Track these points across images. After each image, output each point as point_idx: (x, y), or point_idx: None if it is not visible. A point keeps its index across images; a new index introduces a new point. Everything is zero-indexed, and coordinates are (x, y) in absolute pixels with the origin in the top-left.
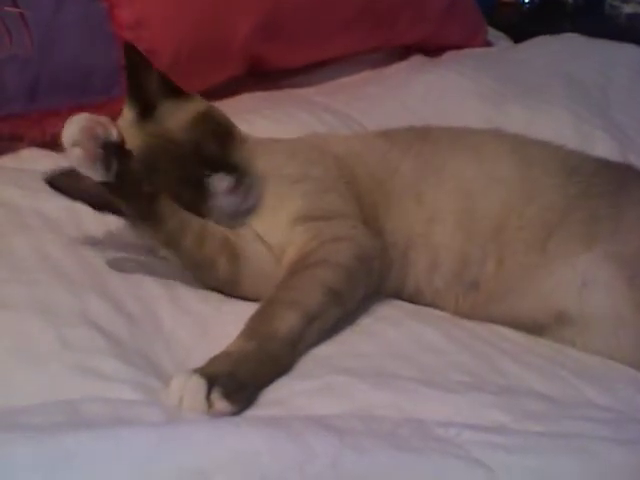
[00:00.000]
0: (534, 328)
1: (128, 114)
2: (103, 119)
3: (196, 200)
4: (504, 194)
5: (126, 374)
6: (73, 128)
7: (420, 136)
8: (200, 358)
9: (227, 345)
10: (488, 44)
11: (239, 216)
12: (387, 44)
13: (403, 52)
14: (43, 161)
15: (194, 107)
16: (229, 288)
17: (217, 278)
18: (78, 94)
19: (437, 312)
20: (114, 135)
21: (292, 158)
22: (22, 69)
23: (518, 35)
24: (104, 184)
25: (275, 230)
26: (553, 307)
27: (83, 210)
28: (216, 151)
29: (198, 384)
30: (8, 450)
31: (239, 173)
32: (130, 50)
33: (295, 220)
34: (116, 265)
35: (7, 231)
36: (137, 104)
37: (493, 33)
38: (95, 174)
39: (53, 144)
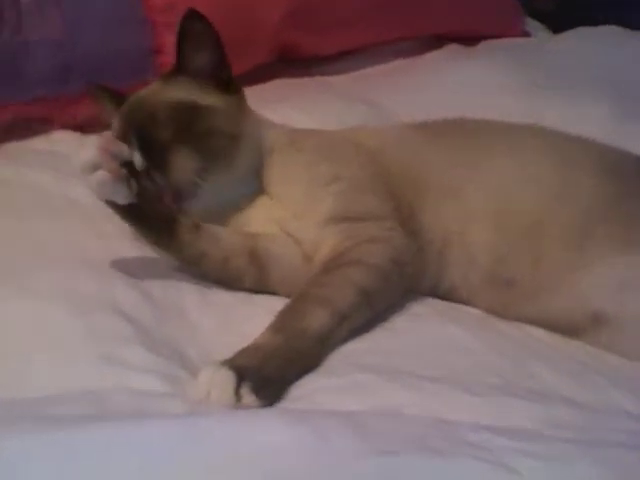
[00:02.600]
0: (568, 329)
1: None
2: (110, 136)
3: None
4: (542, 192)
5: (152, 364)
6: (90, 151)
7: (456, 129)
8: (226, 349)
9: (254, 338)
10: (525, 34)
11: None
12: (421, 32)
13: (437, 41)
14: (74, 144)
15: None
16: (259, 290)
17: (246, 287)
18: (109, 77)
19: (468, 310)
20: (127, 152)
21: (326, 156)
22: (54, 52)
23: (556, 26)
24: (125, 208)
25: (308, 228)
26: (589, 308)
27: None
28: (164, 139)
29: (227, 377)
30: (31, 441)
31: (161, 164)
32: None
33: (328, 220)
34: (144, 253)
35: (35, 215)
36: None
37: (530, 23)
38: (121, 196)
39: (84, 127)
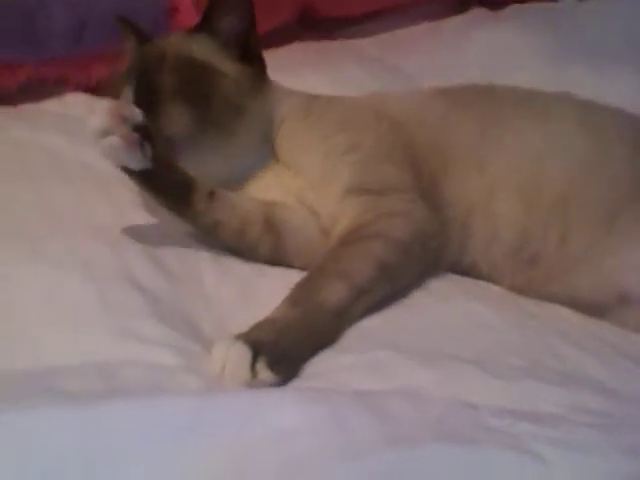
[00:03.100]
0: (594, 309)
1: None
2: (124, 102)
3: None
4: (571, 165)
5: (166, 337)
6: (100, 116)
7: (483, 96)
8: (241, 321)
9: (270, 311)
10: None
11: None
12: None
13: (463, 4)
14: (87, 107)
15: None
16: (275, 261)
17: (261, 257)
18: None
19: (491, 287)
20: (140, 116)
21: (343, 125)
22: (68, 10)
23: None
24: (140, 174)
25: (326, 200)
26: (616, 287)
27: None
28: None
29: (243, 352)
30: (42, 416)
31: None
32: None
33: (347, 191)
34: (159, 221)
35: (48, 178)
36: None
37: None
38: (135, 161)
39: (99, 89)
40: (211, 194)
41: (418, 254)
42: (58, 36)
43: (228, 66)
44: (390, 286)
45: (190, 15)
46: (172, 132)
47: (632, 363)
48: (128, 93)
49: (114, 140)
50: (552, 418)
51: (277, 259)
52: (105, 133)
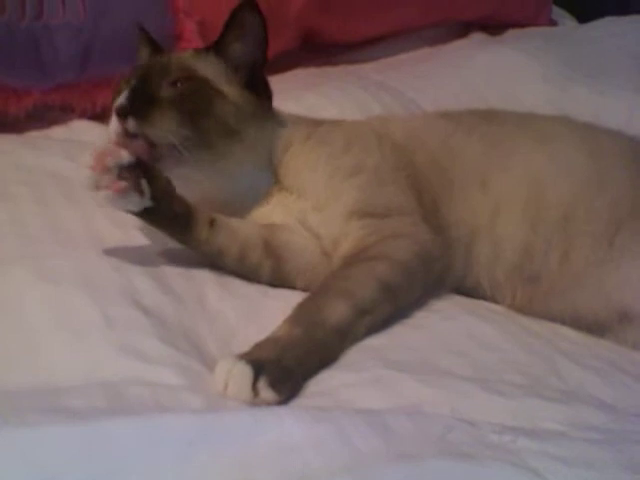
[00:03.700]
0: (595, 326)
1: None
2: (107, 146)
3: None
4: (573, 184)
5: (169, 356)
6: (87, 170)
7: (485, 119)
8: (245, 341)
9: (273, 330)
10: (552, 23)
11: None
12: (447, 20)
13: (463, 29)
14: (93, 133)
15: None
16: (276, 283)
17: (263, 279)
18: (130, 64)
19: (493, 307)
20: (126, 157)
21: (348, 147)
22: (75, 37)
23: (583, 14)
24: (143, 213)
25: (329, 222)
26: (617, 305)
27: None
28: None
29: (244, 371)
30: (48, 434)
31: (143, 114)
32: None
33: (351, 214)
34: (163, 244)
35: (56, 203)
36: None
37: (557, 11)
38: (132, 205)
39: (103, 115)
40: (212, 222)
41: (421, 277)
42: (63, 64)
43: (231, 90)
44: (393, 307)
45: (194, 42)
46: (158, 136)
47: (632, 379)
48: (122, 97)
49: (106, 193)
50: (552, 434)
51: (278, 281)
52: (96, 185)
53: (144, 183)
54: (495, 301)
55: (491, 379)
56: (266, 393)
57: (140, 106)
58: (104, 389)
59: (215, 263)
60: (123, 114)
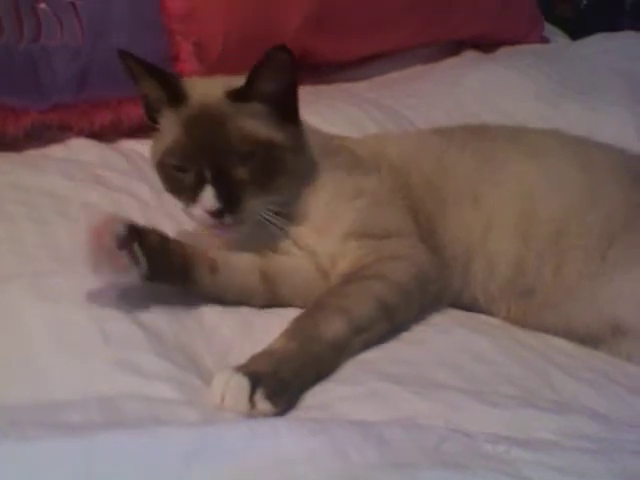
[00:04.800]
0: (588, 339)
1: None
2: (100, 220)
3: (192, 188)
4: (565, 199)
5: (166, 371)
6: (84, 256)
7: (476, 134)
8: (241, 356)
9: (268, 344)
10: (544, 40)
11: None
12: (440, 39)
13: (455, 47)
14: (91, 152)
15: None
16: (271, 304)
17: (258, 303)
18: (127, 85)
19: (487, 320)
20: (122, 229)
21: (350, 172)
22: (72, 59)
23: (574, 32)
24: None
25: (327, 241)
26: (610, 318)
27: (129, 203)
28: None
29: (242, 383)
30: (48, 448)
31: (235, 207)
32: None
33: (349, 234)
34: None
35: (54, 221)
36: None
37: (549, 29)
38: (133, 276)
39: (101, 135)
40: (213, 266)
41: (418, 297)
42: (61, 85)
43: (282, 134)
44: (389, 325)
45: (191, 63)
46: (252, 218)
47: (625, 391)
48: (209, 194)
49: (107, 276)
50: (546, 444)
51: (273, 302)
52: (96, 265)
53: (136, 247)
54: (491, 314)
55: (485, 391)
56: (263, 405)
57: (230, 201)
58: (102, 404)
59: (216, 300)
60: (220, 215)
